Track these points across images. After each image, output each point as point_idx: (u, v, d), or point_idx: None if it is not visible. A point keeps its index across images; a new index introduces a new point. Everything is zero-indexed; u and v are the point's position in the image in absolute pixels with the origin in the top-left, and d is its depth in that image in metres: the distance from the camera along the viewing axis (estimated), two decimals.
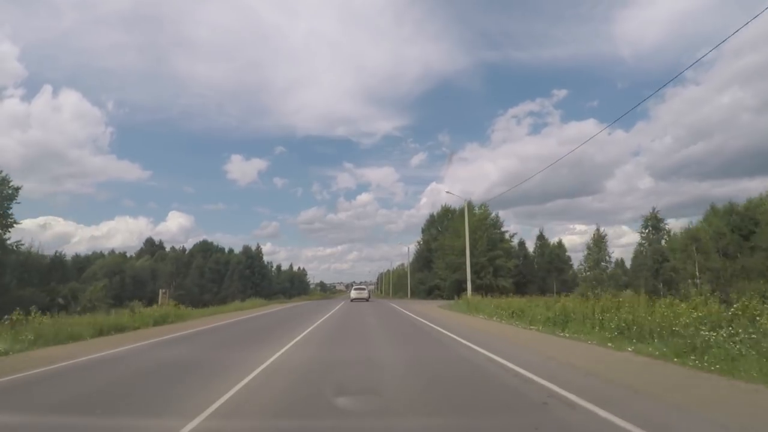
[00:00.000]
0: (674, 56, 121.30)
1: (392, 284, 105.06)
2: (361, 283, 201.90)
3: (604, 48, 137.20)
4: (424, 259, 66.17)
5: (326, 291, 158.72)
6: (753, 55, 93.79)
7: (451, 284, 51.28)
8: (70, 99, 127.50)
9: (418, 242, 74.05)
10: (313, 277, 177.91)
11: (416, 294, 63.75)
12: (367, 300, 46.22)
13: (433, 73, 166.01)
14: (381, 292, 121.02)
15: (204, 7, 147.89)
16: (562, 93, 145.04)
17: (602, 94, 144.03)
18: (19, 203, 34.74)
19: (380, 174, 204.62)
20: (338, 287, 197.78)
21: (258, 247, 75.70)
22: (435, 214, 71.21)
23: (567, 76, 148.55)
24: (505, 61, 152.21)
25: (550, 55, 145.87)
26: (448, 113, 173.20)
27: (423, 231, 73.15)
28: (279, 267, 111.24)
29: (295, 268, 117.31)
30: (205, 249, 75.60)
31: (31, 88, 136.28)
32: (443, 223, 67.23)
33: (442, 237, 59.01)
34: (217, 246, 77.03)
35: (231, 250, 76.35)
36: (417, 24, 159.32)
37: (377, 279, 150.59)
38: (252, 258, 72.93)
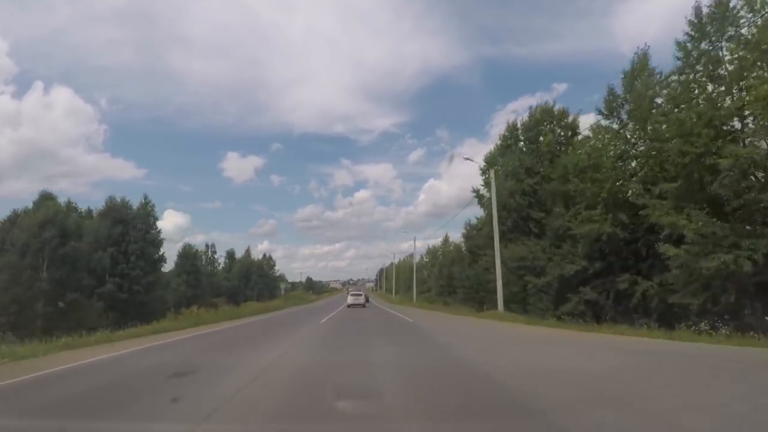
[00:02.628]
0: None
1: (410, 281, 66.26)
2: (357, 281, 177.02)
3: (604, 43, 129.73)
4: (521, 221, 26.78)
5: (310, 290, 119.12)
6: None
7: None
8: (63, 96, 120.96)
9: (477, 191, 34.68)
10: (302, 275, 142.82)
11: (522, 304, 24.09)
12: (364, 306, 36.96)
13: (431, 68, 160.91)
14: (391, 293, 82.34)
15: (200, 3, 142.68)
16: (562, 87, 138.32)
17: (603, 89, 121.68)
18: None
19: (378, 171, 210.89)
20: (333, 284, 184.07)
21: (145, 203, 35.79)
22: (518, 124, 32.02)
23: (567, 71, 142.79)
24: (504, 56, 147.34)
25: (550, 49, 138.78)
26: (447, 109, 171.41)
27: (485, 170, 34.05)
28: (232, 254, 72.03)
29: (260, 257, 77.76)
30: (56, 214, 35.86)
31: (21, 85, 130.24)
32: (535, 139, 29.05)
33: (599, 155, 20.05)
34: (73, 208, 36.70)
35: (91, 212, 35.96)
36: (416, 19, 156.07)
37: (377, 275, 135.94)
38: (125, 223, 33.77)
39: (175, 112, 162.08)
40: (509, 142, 32.23)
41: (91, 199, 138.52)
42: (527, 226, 25.56)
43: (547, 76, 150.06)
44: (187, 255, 49.33)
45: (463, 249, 33.43)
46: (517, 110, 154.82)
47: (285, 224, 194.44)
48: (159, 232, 37.14)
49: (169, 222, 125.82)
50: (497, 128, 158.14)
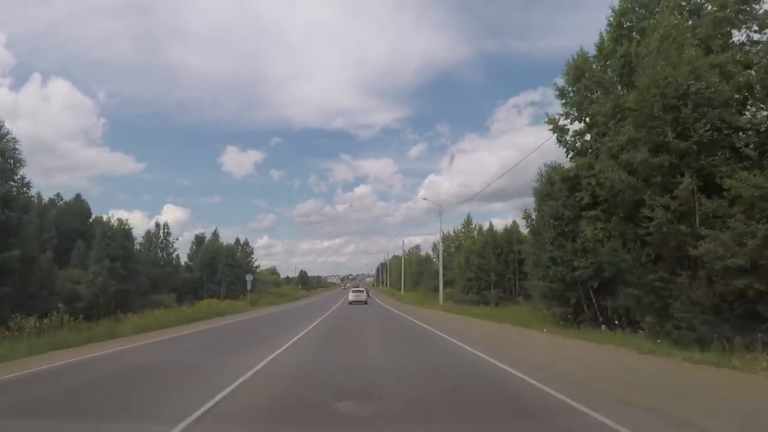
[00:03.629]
0: None
1: (418, 275, 51.97)
2: (357, 276, 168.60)
3: None
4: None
5: (299, 285, 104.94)
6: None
7: None
8: (61, 89, 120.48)
9: (555, 123, 20.21)
10: (296, 269, 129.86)
11: None
12: (365, 302, 37.23)
13: (433, 63, 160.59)
14: (397, 289, 68.37)
15: None
16: (562, 83, 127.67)
17: None
18: None
19: (378, 166, 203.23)
20: (332, 280, 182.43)
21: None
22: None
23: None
24: (505, 51, 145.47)
25: (550, 44, 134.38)
26: (448, 104, 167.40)
27: (568, 74, 19.48)
28: (201, 240, 57.45)
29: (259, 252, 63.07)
30: None
31: (19, 78, 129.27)
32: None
33: None
34: None
35: None
36: (418, 12, 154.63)
37: (377, 270, 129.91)
38: None
39: (174, 106, 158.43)
40: (620, 32, 17.67)
41: (90, 193, 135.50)
42: None
43: (547, 71, 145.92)
44: (113, 234, 34.90)
45: (534, 222, 18.97)
46: (519, 105, 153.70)
47: (284, 219, 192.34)
48: (27, 185, 22.93)
49: (169, 217, 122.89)
50: (498, 123, 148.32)
